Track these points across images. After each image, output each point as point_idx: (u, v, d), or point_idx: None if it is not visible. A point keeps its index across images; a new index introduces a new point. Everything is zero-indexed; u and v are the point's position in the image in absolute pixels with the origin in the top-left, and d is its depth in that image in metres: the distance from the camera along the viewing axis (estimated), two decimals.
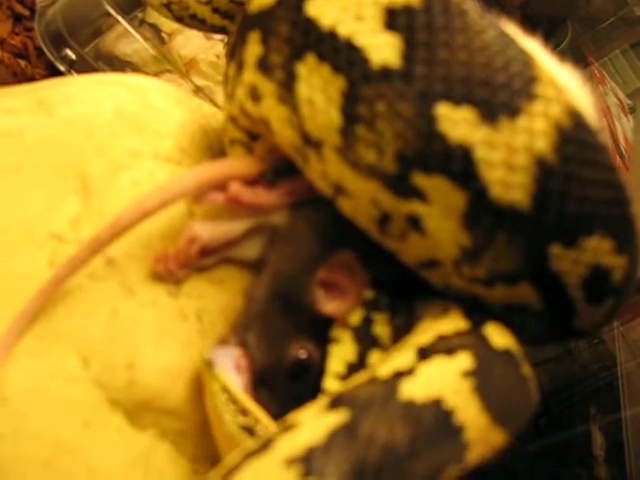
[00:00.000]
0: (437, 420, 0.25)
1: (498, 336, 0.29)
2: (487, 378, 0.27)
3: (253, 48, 0.31)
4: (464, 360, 0.27)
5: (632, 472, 0.60)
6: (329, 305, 0.31)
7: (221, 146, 0.37)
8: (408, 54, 0.26)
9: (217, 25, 0.44)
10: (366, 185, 0.28)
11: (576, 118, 0.27)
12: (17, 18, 0.68)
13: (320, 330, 0.31)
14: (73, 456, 0.28)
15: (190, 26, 0.47)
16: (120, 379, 0.29)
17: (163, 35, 0.72)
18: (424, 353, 0.27)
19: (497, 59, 0.26)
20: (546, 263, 0.28)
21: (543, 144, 0.26)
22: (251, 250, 0.33)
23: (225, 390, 0.29)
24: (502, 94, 0.26)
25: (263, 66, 0.30)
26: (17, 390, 0.27)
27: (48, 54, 0.63)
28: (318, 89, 0.28)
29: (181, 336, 0.31)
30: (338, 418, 0.24)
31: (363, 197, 0.29)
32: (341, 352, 0.31)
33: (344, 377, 0.30)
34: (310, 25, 0.28)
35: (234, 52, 0.33)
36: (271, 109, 0.30)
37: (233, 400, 0.29)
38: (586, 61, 1.05)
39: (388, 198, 0.28)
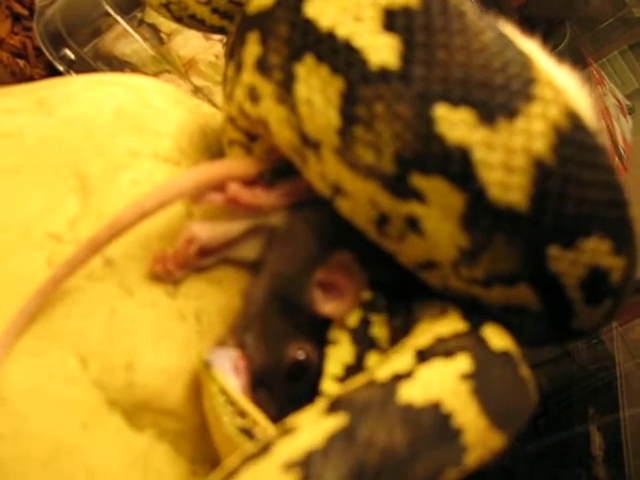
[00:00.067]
0: (436, 423, 0.25)
1: (496, 338, 0.29)
2: (486, 380, 0.27)
3: (252, 49, 0.31)
4: (463, 362, 0.27)
5: (631, 472, 0.60)
6: (327, 306, 0.31)
7: (220, 147, 0.37)
8: (407, 55, 0.26)
9: (216, 25, 0.44)
10: (364, 186, 0.28)
11: (574, 119, 0.27)
12: (16, 18, 0.68)
13: (318, 331, 0.31)
14: (72, 456, 0.28)
15: (189, 26, 0.47)
16: (118, 380, 0.29)
17: (162, 35, 0.72)
18: (423, 356, 0.27)
19: (495, 60, 0.26)
20: (544, 264, 0.28)
21: (541, 145, 0.26)
22: (250, 251, 0.33)
23: (223, 392, 0.29)
24: (500, 95, 0.26)
25: (262, 67, 0.30)
26: (16, 390, 0.27)
27: (47, 54, 0.63)
28: (317, 90, 0.28)
29: (179, 337, 0.31)
30: (337, 422, 0.24)
31: (361, 198, 0.29)
32: (339, 354, 0.31)
33: (342, 379, 0.30)
34: (309, 26, 0.28)
35: (233, 52, 0.33)
36: (270, 110, 0.30)
37: (231, 402, 0.29)
38: (585, 62, 1.05)
39: (386, 199, 0.28)
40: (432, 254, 0.29)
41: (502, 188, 0.26)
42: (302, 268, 0.32)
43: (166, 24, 0.71)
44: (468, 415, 0.26)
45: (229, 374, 0.29)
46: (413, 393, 0.25)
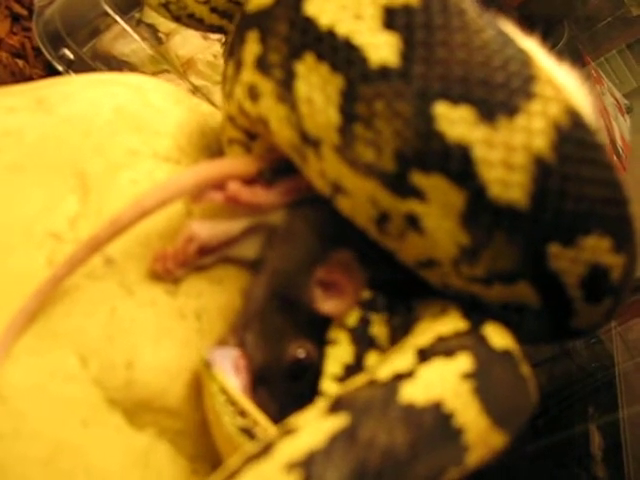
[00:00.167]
0: (437, 423, 0.25)
1: (497, 336, 0.29)
2: (486, 379, 0.27)
3: (252, 47, 0.31)
4: (464, 362, 0.27)
5: (630, 472, 0.60)
6: (327, 304, 0.31)
7: (219, 145, 0.37)
8: (407, 53, 0.26)
9: (215, 25, 0.44)
10: (364, 184, 0.28)
11: (574, 117, 0.27)
12: (15, 18, 0.68)
13: (318, 330, 0.31)
14: (72, 455, 0.28)
15: (188, 26, 0.47)
16: (119, 378, 0.29)
17: (160, 35, 0.73)
18: (423, 355, 0.27)
19: (495, 58, 0.26)
20: (544, 262, 0.28)
21: (541, 143, 0.26)
22: (249, 249, 0.33)
23: (224, 391, 0.29)
24: (500, 93, 0.26)
25: (262, 65, 0.30)
26: (16, 389, 0.27)
27: (46, 54, 0.63)
28: (317, 88, 0.28)
29: (180, 335, 0.31)
30: (338, 422, 0.24)
31: (361, 196, 0.29)
32: (338, 353, 0.30)
33: (341, 379, 0.30)
34: (309, 24, 0.28)
35: (233, 51, 0.33)
36: (270, 108, 0.30)
37: (232, 401, 0.29)
38: (583, 61, 1.05)
39: (386, 197, 0.28)
40: (432, 252, 0.29)
41: (502, 186, 0.26)
42: (302, 266, 0.32)
43: (164, 24, 0.71)
44: (469, 415, 0.26)
45: (229, 373, 0.29)
46: (414, 393, 0.25)
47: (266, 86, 0.30)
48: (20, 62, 0.64)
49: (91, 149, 0.34)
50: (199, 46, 0.72)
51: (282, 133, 0.30)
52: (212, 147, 0.38)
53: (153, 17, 0.71)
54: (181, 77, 0.69)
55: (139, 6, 0.69)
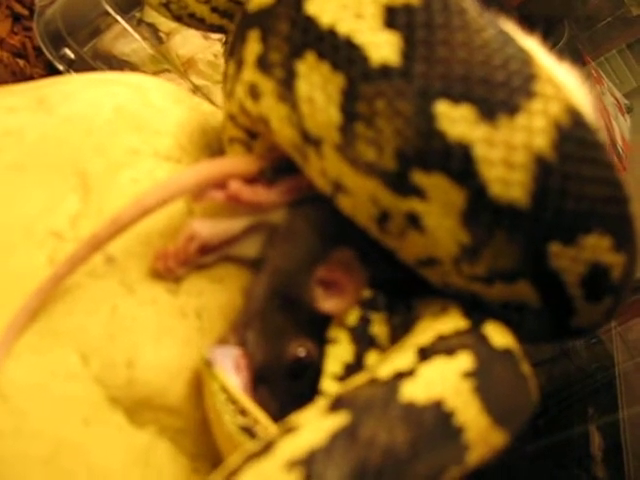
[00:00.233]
0: (438, 422, 0.25)
1: (498, 335, 0.29)
2: (487, 378, 0.27)
3: (253, 46, 0.31)
4: (464, 360, 0.27)
5: (630, 472, 0.60)
6: (328, 303, 0.31)
7: (220, 144, 0.37)
8: (407, 52, 0.27)
9: (216, 24, 0.45)
10: (365, 183, 0.28)
11: (575, 116, 0.27)
12: (16, 18, 0.68)
13: (319, 328, 0.31)
14: (73, 454, 0.28)
15: (189, 25, 0.47)
16: (120, 377, 0.29)
17: (161, 35, 0.73)
18: (424, 353, 0.27)
19: (496, 57, 0.26)
20: (545, 261, 0.28)
21: (542, 142, 0.26)
22: (250, 248, 0.33)
23: (224, 390, 0.29)
24: (501, 92, 0.26)
25: (263, 64, 0.30)
26: (17, 387, 0.27)
27: (47, 53, 0.63)
28: (318, 87, 0.28)
29: (180, 334, 0.31)
30: (339, 421, 0.24)
31: (362, 195, 0.29)
32: (338, 352, 0.30)
33: (341, 378, 0.30)
34: (310, 23, 0.28)
35: (233, 50, 0.33)
36: (271, 107, 0.30)
37: (232, 400, 0.29)
38: (583, 61, 1.05)
39: (387, 196, 0.28)
40: (433, 251, 0.29)
41: (503, 184, 0.26)
42: (303, 265, 0.32)
43: (165, 23, 0.72)
44: (470, 413, 0.26)
45: (230, 372, 0.29)
46: (415, 392, 0.25)
47: (267, 85, 0.30)
48: (21, 62, 0.64)
49: (92, 148, 0.34)
50: (200, 46, 0.72)
51: (283, 132, 0.30)
52: (213, 146, 0.38)
53: (154, 16, 0.71)
54: (182, 76, 0.69)
55: (140, 5, 0.70)
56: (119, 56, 0.68)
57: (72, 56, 0.63)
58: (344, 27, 0.27)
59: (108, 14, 0.65)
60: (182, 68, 0.71)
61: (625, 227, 0.29)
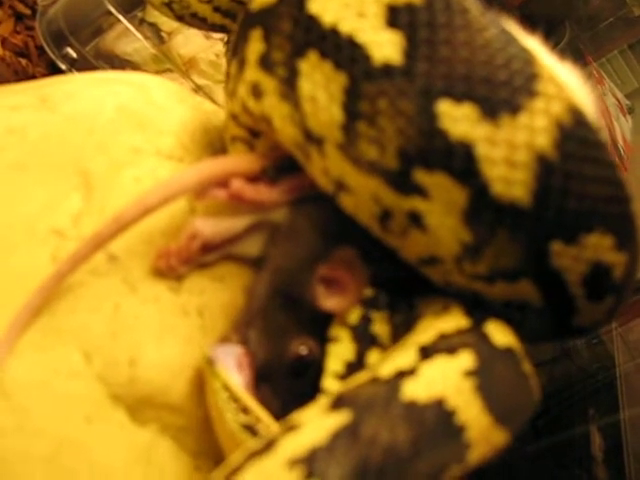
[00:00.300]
0: (439, 421, 0.25)
1: (499, 334, 0.29)
2: (489, 377, 0.27)
3: (255, 45, 0.31)
4: (466, 359, 0.27)
5: (631, 473, 0.60)
6: (330, 301, 0.31)
7: (222, 143, 0.37)
8: (410, 51, 0.27)
9: (218, 24, 0.45)
10: (367, 181, 0.28)
11: (577, 115, 0.27)
12: (19, 17, 0.68)
13: (321, 327, 0.31)
14: (75, 452, 0.28)
15: (191, 25, 0.47)
16: (122, 375, 0.29)
17: (163, 34, 0.73)
18: (426, 352, 0.27)
19: (498, 56, 0.26)
20: (547, 260, 0.28)
21: (544, 141, 0.26)
22: (252, 247, 0.33)
23: (226, 388, 0.29)
24: (503, 91, 0.26)
25: (265, 63, 0.30)
26: (20, 385, 0.27)
27: (49, 53, 0.63)
28: (320, 86, 0.28)
29: (182, 332, 0.31)
30: (340, 419, 0.24)
31: (364, 193, 0.29)
32: (340, 351, 0.31)
33: (343, 376, 0.30)
34: (312, 22, 0.28)
35: (236, 50, 0.33)
36: (273, 106, 0.30)
37: (234, 398, 0.29)
38: (584, 61, 1.05)
39: (389, 194, 0.28)
40: (435, 249, 0.29)
41: (505, 183, 0.26)
42: (304, 264, 0.32)
43: (167, 23, 0.72)
44: (471, 412, 0.26)
45: (232, 371, 0.29)
46: (416, 390, 0.25)
47: (269, 84, 0.30)
48: (23, 61, 0.64)
49: (94, 147, 0.34)
50: (201, 45, 0.72)
51: (285, 131, 0.30)
52: (215, 145, 0.38)
53: (156, 16, 0.71)
54: (183, 76, 0.69)
55: (142, 5, 0.70)
56: (121, 55, 0.68)
57: (74, 55, 0.63)
58: (346, 26, 0.28)
59: (110, 14, 0.65)
60: (184, 68, 0.71)
61: (627, 226, 0.29)
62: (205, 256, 0.32)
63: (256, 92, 0.31)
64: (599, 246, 0.28)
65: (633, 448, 0.61)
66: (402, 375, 0.26)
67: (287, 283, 0.32)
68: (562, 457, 0.67)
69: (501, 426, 0.27)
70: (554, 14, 1.03)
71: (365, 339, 0.31)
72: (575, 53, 1.03)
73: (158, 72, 0.68)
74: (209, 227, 0.31)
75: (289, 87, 0.29)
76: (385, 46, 0.27)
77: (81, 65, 0.63)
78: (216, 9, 0.43)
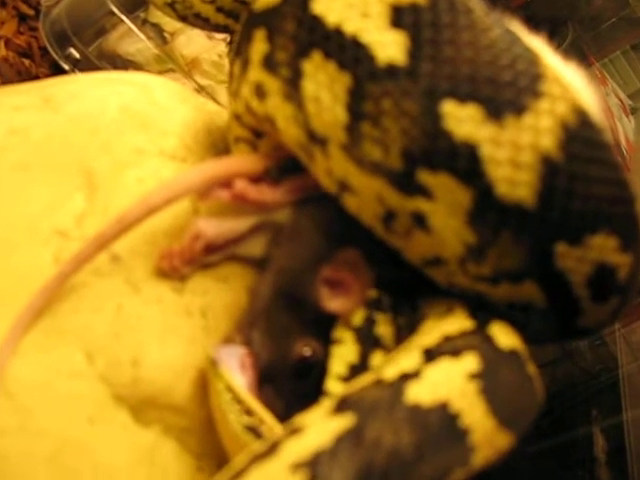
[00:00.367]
0: (443, 424, 0.25)
1: (504, 336, 0.29)
2: (493, 380, 0.27)
3: (259, 46, 0.31)
4: (470, 362, 0.27)
5: (634, 475, 0.60)
6: (333, 303, 0.31)
7: (226, 144, 0.37)
8: (414, 51, 0.26)
9: (221, 24, 0.45)
10: (371, 182, 0.28)
11: (582, 116, 0.27)
12: (22, 18, 0.68)
13: (325, 328, 0.31)
14: (78, 452, 0.28)
15: (194, 25, 0.47)
16: (125, 375, 0.29)
17: (165, 34, 0.73)
18: (430, 354, 0.27)
19: (503, 57, 0.26)
20: (551, 261, 0.28)
21: (549, 142, 0.26)
22: (256, 247, 0.33)
23: (230, 389, 0.29)
24: (508, 92, 0.26)
25: (269, 64, 0.30)
26: (23, 385, 0.27)
27: (52, 53, 0.63)
28: (324, 86, 0.28)
29: (186, 332, 0.31)
30: (344, 422, 0.24)
31: (368, 194, 0.29)
32: (343, 353, 0.30)
33: (346, 378, 0.30)
34: (316, 22, 0.28)
35: (239, 50, 0.33)
36: (276, 107, 0.30)
37: (238, 400, 0.29)
38: (587, 62, 1.05)
39: (393, 195, 0.28)
40: (438, 250, 0.29)
41: (509, 184, 0.26)
42: (308, 265, 0.32)
43: (170, 23, 0.72)
44: (475, 415, 0.26)
45: (236, 372, 0.29)
46: (420, 393, 0.25)
47: (273, 84, 0.30)
48: (27, 61, 0.64)
49: (97, 147, 0.34)
50: (204, 46, 0.72)
51: (289, 131, 0.30)
52: (218, 145, 0.38)
53: (158, 17, 0.71)
54: (186, 76, 0.69)
55: (145, 5, 0.70)
56: (124, 56, 0.68)
57: (77, 56, 0.63)
58: (350, 26, 0.27)
59: (113, 14, 0.65)
60: (186, 68, 0.71)
61: (632, 227, 0.29)
62: (208, 257, 0.32)
63: (260, 92, 0.31)
64: (604, 247, 0.28)
65: (636, 449, 0.60)
66: (406, 378, 0.26)
67: (290, 284, 0.32)
68: (565, 458, 0.66)
69: (505, 429, 0.27)
70: (556, 15, 1.02)
71: (369, 341, 0.31)
72: (577, 54, 1.03)
73: (161, 72, 0.68)
74: (212, 228, 0.31)
75: (293, 87, 0.29)
76: (389, 46, 0.27)
77: (84, 65, 0.63)
78: (219, 9, 0.43)
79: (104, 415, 0.29)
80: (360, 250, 0.31)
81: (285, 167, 0.33)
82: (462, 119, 0.26)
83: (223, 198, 0.32)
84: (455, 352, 0.27)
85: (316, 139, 0.29)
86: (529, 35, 0.28)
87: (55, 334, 0.29)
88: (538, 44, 0.28)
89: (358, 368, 0.30)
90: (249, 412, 0.28)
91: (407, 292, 0.32)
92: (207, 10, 0.44)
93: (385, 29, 0.27)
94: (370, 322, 0.31)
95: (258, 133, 0.34)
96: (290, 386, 0.30)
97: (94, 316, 0.29)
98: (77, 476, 0.28)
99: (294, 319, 0.31)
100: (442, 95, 0.26)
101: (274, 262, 0.33)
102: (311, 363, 0.31)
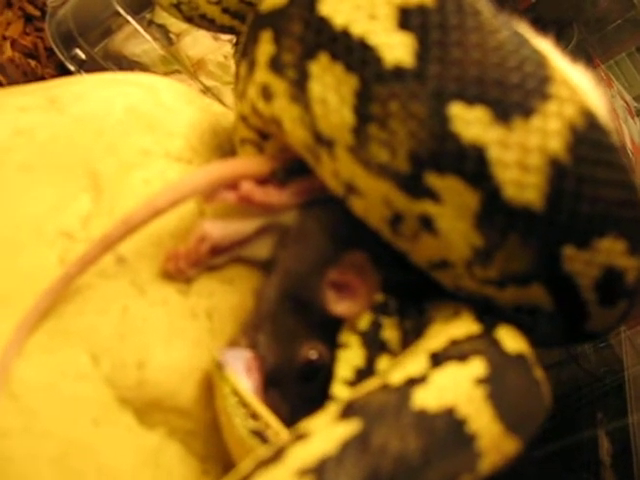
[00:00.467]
0: (450, 429, 0.25)
1: (511, 340, 0.29)
2: (500, 385, 0.27)
3: (265, 47, 0.31)
4: (477, 367, 0.27)
5: (639, 478, 0.60)
6: (340, 306, 0.31)
7: (232, 145, 0.37)
8: (421, 53, 0.26)
9: (226, 25, 0.45)
10: (378, 185, 0.28)
11: (590, 118, 0.26)
12: (28, 18, 0.68)
13: (331, 331, 0.31)
14: (82, 454, 0.28)
15: (199, 26, 0.47)
16: (130, 377, 0.29)
17: (171, 36, 0.73)
18: (437, 359, 0.27)
19: (511, 59, 0.26)
20: (559, 264, 0.28)
21: (557, 144, 0.26)
22: (262, 249, 0.33)
23: (235, 393, 0.29)
24: (516, 94, 0.26)
25: (275, 65, 0.30)
26: (27, 387, 0.27)
27: (58, 54, 0.63)
28: (331, 88, 0.28)
29: (191, 335, 0.31)
30: (350, 428, 0.24)
31: (375, 197, 0.28)
32: (349, 357, 0.30)
33: (352, 383, 0.29)
34: (323, 24, 0.28)
35: (246, 51, 0.33)
36: (283, 108, 0.30)
37: (244, 404, 0.28)
38: (592, 64, 1.05)
39: (400, 198, 0.28)
40: (446, 254, 0.29)
41: (517, 187, 0.26)
42: (314, 267, 0.32)
43: (175, 25, 0.72)
44: (482, 421, 0.25)
45: (241, 375, 0.29)
46: (427, 398, 0.25)
47: (280, 86, 0.30)
48: (32, 62, 0.64)
49: (103, 149, 0.34)
50: (210, 47, 0.72)
51: (295, 133, 0.30)
52: (224, 147, 0.38)
53: (164, 18, 0.71)
54: (192, 77, 0.69)
55: (151, 7, 0.70)
56: (130, 57, 0.68)
57: (83, 57, 0.63)
58: (358, 28, 0.27)
59: (119, 15, 0.65)
60: (192, 69, 0.71)
61: None
62: (214, 259, 0.32)
63: (266, 94, 0.31)
64: (612, 251, 0.28)
65: None
66: (412, 383, 0.26)
67: (297, 287, 0.32)
68: (570, 461, 0.66)
69: (512, 434, 0.26)
70: (562, 16, 1.02)
71: (375, 345, 0.31)
72: (583, 56, 1.02)
73: (166, 73, 0.68)
74: (218, 229, 0.31)
75: (299, 89, 0.29)
76: (397, 48, 0.27)
77: (90, 66, 0.63)
78: (225, 10, 0.43)
79: (109, 417, 0.28)
80: (367, 253, 0.31)
81: (291, 169, 0.33)
82: (470, 121, 0.26)
83: (229, 200, 0.31)
84: (462, 357, 0.27)
85: (323, 141, 0.29)
86: (537, 37, 0.28)
87: (60, 336, 0.29)
88: (546, 46, 0.28)
89: (364, 372, 0.30)
90: (255, 416, 0.28)
91: (414, 295, 0.32)
92: (213, 11, 0.44)
93: (392, 31, 0.27)
94: (376, 326, 0.31)
95: (264, 135, 0.34)
96: (296, 390, 0.30)
97: (99, 318, 0.29)
98: (81, 478, 0.28)
99: (300, 322, 0.31)
100: (450, 97, 0.26)
101: (280, 264, 0.33)
102: (317, 366, 0.30)
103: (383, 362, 0.30)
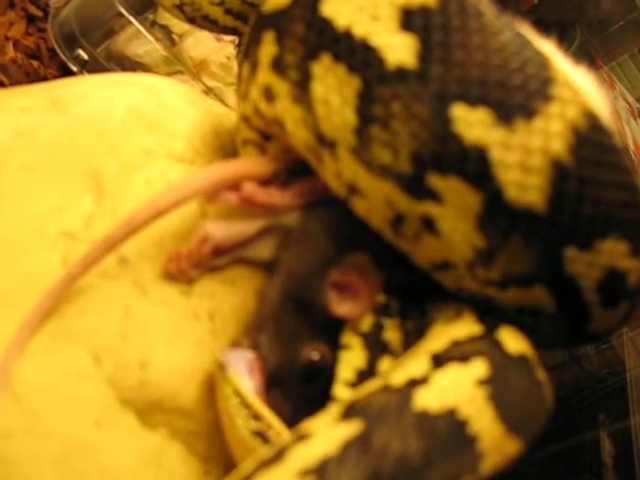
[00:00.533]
0: (451, 430, 0.25)
1: (512, 341, 0.29)
2: (502, 386, 0.27)
3: (268, 48, 0.31)
4: (479, 368, 0.27)
5: None
6: (342, 307, 0.31)
7: (234, 146, 0.37)
8: (424, 55, 0.26)
9: (229, 26, 0.45)
10: (380, 185, 0.28)
11: (592, 120, 0.26)
12: (30, 19, 0.68)
13: (333, 332, 0.31)
14: (84, 455, 0.28)
15: (202, 27, 0.47)
16: (132, 378, 0.29)
17: (174, 36, 0.73)
18: (438, 360, 0.27)
19: (513, 60, 0.26)
20: (561, 266, 0.28)
21: (559, 146, 0.26)
22: (264, 250, 0.33)
23: (237, 394, 0.29)
24: (518, 95, 0.26)
25: (278, 66, 0.30)
26: (30, 387, 0.27)
27: (61, 54, 0.63)
28: (333, 89, 0.28)
29: (193, 336, 0.31)
30: (352, 429, 0.24)
31: (377, 197, 0.28)
32: (351, 359, 0.30)
33: (354, 384, 0.29)
34: (325, 25, 0.28)
35: (248, 52, 0.33)
36: (285, 109, 0.30)
37: (246, 404, 0.28)
38: (595, 65, 1.05)
39: (402, 199, 0.28)
40: (447, 254, 0.29)
41: (519, 188, 0.26)
42: (316, 268, 0.32)
43: (178, 25, 0.72)
44: (484, 422, 0.25)
45: (244, 376, 0.29)
46: (429, 399, 0.25)
47: (282, 87, 0.30)
48: (35, 63, 0.64)
49: (105, 149, 0.34)
50: (212, 48, 0.73)
51: (298, 134, 0.30)
52: (226, 148, 0.38)
53: (167, 18, 0.71)
54: (194, 78, 0.69)
55: (153, 7, 0.70)
56: (132, 57, 0.68)
57: (85, 57, 0.63)
58: (360, 29, 0.27)
59: (122, 16, 0.65)
60: (195, 70, 0.71)
61: None
62: (216, 259, 0.32)
63: (268, 95, 0.31)
64: (614, 252, 0.28)
65: None
66: (414, 384, 0.26)
67: (299, 287, 0.32)
68: (572, 463, 0.66)
69: (514, 435, 0.26)
70: (564, 18, 1.02)
71: (377, 346, 0.31)
72: (585, 57, 1.02)
73: (169, 74, 0.68)
74: (220, 230, 0.31)
75: (302, 90, 0.29)
76: (399, 49, 0.27)
77: (92, 67, 0.63)
78: (227, 11, 0.43)
79: (111, 418, 0.28)
80: (369, 254, 0.31)
81: (294, 170, 0.33)
82: (472, 123, 0.26)
83: (231, 201, 0.32)
84: (463, 358, 0.27)
85: (325, 142, 0.29)
86: (539, 39, 0.28)
87: (62, 336, 0.29)
88: (548, 48, 0.28)
89: (366, 374, 0.30)
90: (257, 417, 0.28)
91: (415, 296, 0.32)
92: (215, 12, 0.44)
93: (395, 32, 0.27)
94: (378, 327, 0.31)
95: (267, 136, 0.34)
96: (298, 390, 0.30)
97: (101, 318, 0.29)
98: (83, 479, 0.28)
99: (302, 323, 0.31)
100: (452, 98, 0.26)
101: (282, 265, 0.33)
102: (319, 367, 0.30)
103: (385, 363, 0.30)
